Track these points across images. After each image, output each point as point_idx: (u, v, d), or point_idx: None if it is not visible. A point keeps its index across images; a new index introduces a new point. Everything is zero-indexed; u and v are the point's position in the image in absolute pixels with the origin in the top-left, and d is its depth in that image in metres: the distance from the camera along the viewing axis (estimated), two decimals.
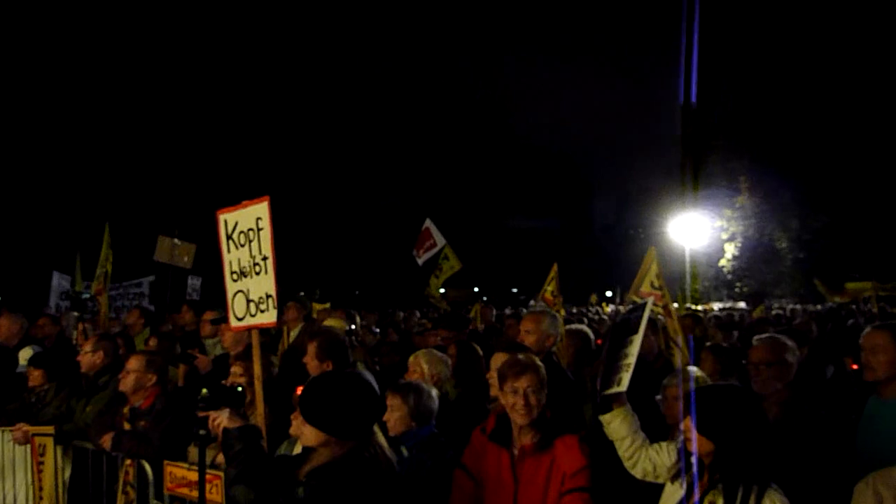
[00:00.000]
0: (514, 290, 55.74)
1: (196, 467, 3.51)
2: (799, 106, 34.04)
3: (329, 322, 6.11)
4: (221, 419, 2.89)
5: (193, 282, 13.50)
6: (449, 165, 61.76)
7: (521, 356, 3.35)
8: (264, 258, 3.93)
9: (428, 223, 10.94)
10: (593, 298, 21.62)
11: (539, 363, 3.32)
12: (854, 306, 24.67)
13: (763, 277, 36.04)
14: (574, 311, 23.32)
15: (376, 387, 2.82)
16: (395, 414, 3.57)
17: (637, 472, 3.18)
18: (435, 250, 10.78)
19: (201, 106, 41.66)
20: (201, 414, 3.02)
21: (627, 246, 42.73)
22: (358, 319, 8.03)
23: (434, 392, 3.74)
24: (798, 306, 26.39)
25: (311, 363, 4.65)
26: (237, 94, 45.31)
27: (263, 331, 4.26)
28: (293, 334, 6.73)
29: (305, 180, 49.28)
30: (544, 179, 68.10)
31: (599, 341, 7.28)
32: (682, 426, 2.77)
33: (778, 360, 3.68)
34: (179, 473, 4.24)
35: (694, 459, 2.77)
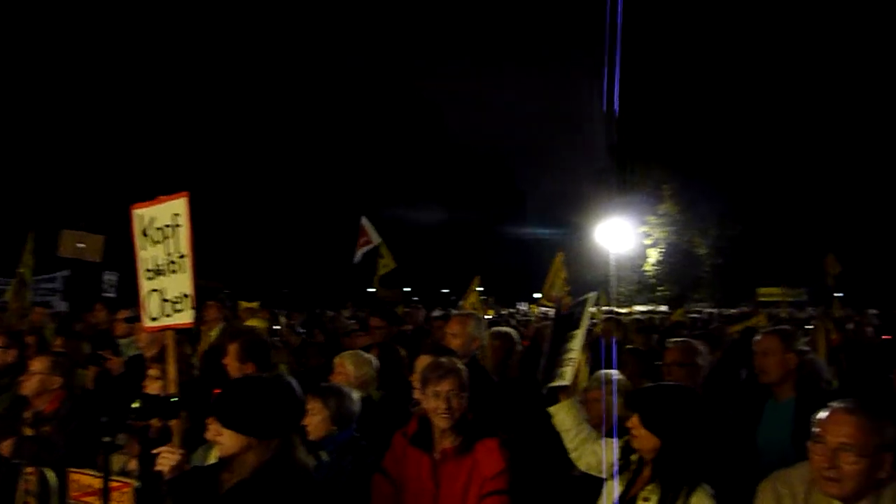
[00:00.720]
0: (446, 291, 56.02)
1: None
2: (717, 118, 35.77)
3: (251, 322, 5.95)
4: (167, 462, 2.82)
5: (109, 277, 12.93)
6: (384, 165, 61.54)
7: (443, 360, 3.35)
8: (181, 256, 3.78)
9: (363, 221, 10.91)
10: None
11: (461, 366, 3.33)
12: (766, 311, 25.95)
13: (683, 282, 37.47)
14: (504, 312, 23.61)
15: (298, 389, 2.75)
16: (315, 418, 3.50)
17: (581, 465, 3.23)
18: (369, 248, 10.74)
19: (113, 95, 39.78)
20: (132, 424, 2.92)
21: (556, 249, 43.53)
22: (282, 319, 7.87)
23: (356, 395, 3.69)
24: (715, 310, 27.65)
25: (232, 364, 4.53)
26: (157, 82, 43.53)
27: (180, 331, 4.12)
28: (213, 334, 6.54)
29: (237, 175, 48.17)
30: (478, 182, 68.81)
31: (526, 343, 7.38)
32: (628, 423, 2.85)
33: (689, 363, 3.86)
34: (85, 481, 4.01)
35: (610, 456, 2.84)
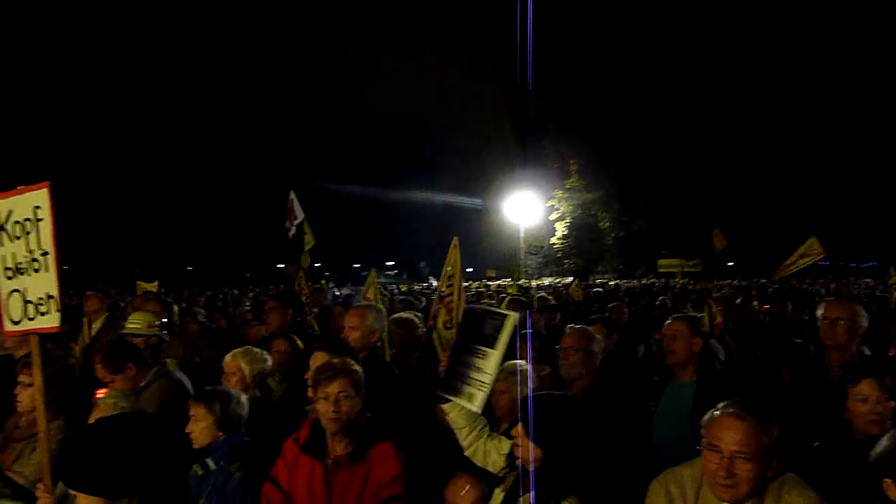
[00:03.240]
0: (357, 266, 55.55)
1: None
2: (622, 96, 36.99)
3: (136, 317, 5.46)
4: None
5: None
6: (294, 139, 60.06)
7: (335, 360, 3.20)
8: (44, 254, 3.42)
9: (292, 196, 10.63)
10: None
11: (354, 367, 3.17)
12: (664, 281, 27.32)
13: (588, 255, 38.62)
14: (416, 287, 23.48)
15: (161, 437, 2.04)
16: (200, 424, 3.28)
17: (477, 461, 3.17)
18: (297, 222, 10.49)
19: None
20: None
21: (468, 223, 44.09)
22: (175, 309, 7.37)
23: (243, 397, 3.48)
24: (620, 281, 28.72)
25: (101, 373, 4.33)
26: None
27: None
28: (95, 326, 6.08)
29: (144, 152, 45.96)
30: (390, 156, 68.22)
31: (431, 322, 7.28)
32: (513, 431, 2.79)
33: (584, 348, 3.93)
34: None
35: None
